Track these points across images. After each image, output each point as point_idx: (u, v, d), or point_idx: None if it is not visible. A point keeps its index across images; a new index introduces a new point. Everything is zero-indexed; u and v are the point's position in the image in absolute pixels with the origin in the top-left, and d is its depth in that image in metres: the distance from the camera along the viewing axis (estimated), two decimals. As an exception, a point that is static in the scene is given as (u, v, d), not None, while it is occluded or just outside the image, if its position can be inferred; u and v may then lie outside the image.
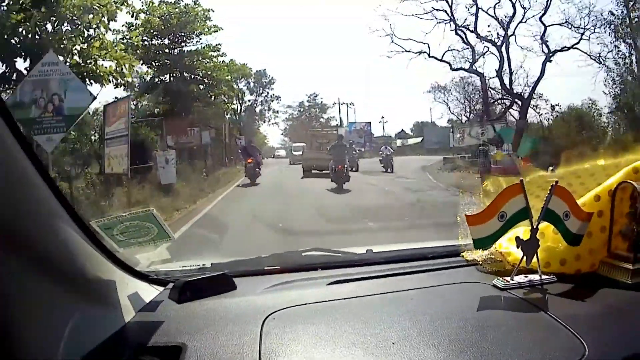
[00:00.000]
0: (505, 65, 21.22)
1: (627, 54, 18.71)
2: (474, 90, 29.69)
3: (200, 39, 20.68)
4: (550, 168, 1.55)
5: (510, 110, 22.92)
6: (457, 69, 23.55)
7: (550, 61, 20.61)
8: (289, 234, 6.29)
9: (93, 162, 13.81)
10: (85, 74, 10.11)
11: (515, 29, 21.12)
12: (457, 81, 30.91)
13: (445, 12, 21.60)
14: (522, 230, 1.26)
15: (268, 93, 42.89)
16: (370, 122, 40.98)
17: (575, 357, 0.91)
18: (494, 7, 21.29)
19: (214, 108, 23.16)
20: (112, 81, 10.69)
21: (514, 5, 20.55)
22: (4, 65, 9.58)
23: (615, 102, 19.05)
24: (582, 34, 19.71)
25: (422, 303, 1.17)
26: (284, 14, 79.33)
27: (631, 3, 18.28)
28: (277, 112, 44.74)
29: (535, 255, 1.23)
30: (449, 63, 23.00)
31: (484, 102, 23.77)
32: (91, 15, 10.22)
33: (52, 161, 8.81)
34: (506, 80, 21.29)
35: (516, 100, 21.72)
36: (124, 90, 19.21)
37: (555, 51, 20.58)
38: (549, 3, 19.91)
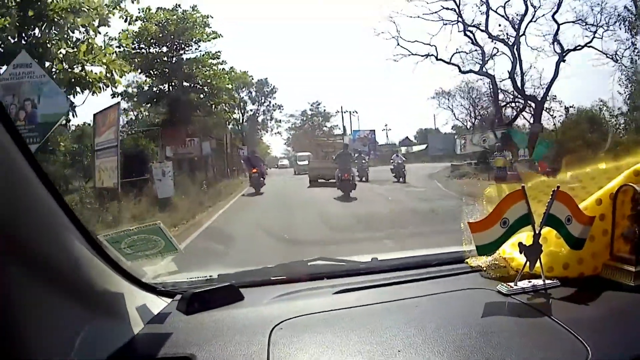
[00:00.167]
0: (517, 67, 21.25)
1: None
2: (478, 95, 29.80)
3: (199, 46, 20.81)
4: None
5: (521, 113, 22.95)
6: (466, 72, 23.55)
7: (564, 61, 20.61)
8: (294, 245, 6.40)
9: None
10: (73, 80, 9.76)
11: (525, 28, 21.16)
12: (461, 86, 31.05)
13: (455, 9, 21.65)
14: (525, 236, 1.32)
15: (270, 102, 43.64)
16: (374, 130, 41.28)
17: None
18: (504, 6, 21.31)
19: (215, 118, 23.31)
20: (103, 88, 10.34)
21: (525, 3, 20.63)
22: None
23: (631, 102, 18.98)
24: (595, 32, 19.76)
25: (427, 310, 1.23)
26: (284, 22, 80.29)
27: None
28: (280, 121, 45.49)
29: (538, 260, 1.29)
30: (457, 66, 23.03)
31: (495, 105, 23.71)
32: (79, 18, 9.84)
33: (52, 174, 8.83)
34: (518, 82, 21.31)
35: (529, 102, 21.66)
36: (121, 99, 19.73)
37: (569, 50, 20.58)
38: (561, 0, 19.96)
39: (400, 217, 9.36)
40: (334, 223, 8.82)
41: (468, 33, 22.03)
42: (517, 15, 21.22)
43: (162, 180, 12.53)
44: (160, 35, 19.52)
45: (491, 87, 23.62)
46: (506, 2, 21.17)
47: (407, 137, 46.92)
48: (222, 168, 24.86)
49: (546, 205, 1.27)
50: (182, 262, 1.67)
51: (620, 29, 19.28)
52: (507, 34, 21.49)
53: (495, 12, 21.52)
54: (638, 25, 18.72)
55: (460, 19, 21.84)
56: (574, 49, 20.53)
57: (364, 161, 20.74)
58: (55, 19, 9.64)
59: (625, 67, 19.23)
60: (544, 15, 21.00)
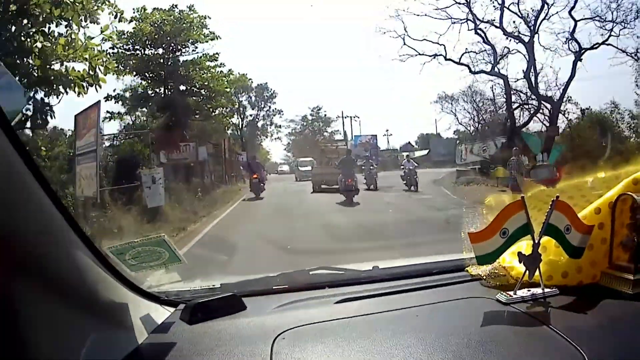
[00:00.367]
0: (532, 67, 21.01)
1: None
2: (482, 99, 29.88)
3: (197, 47, 20.98)
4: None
5: (535, 115, 22.71)
6: (477, 72, 23.29)
7: (581, 60, 20.34)
8: (295, 255, 6.48)
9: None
10: (52, 78, 9.12)
11: (538, 26, 20.98)
12: (465, 90, 31.17)
13: (466, 6, 21.43)
14: (524, 245, 1.40)
15: (270, 107, 43.97)
16: (376, 135, 41.48)
17: None
18: (517, 3, 21.05)
19: (214, 123, 23.42)
20: (85, 87, 9.53)
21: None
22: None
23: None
24: (612, 30, 19.63)
25: (428, 320, 1.31)
26: (284, 26, 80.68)
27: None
28: (280, 126, 45.84)
29: (537, 269, 1.37)
30: (467, 66, 22.82)
31: (507, 107, 23.36)
32: (58, 9, 9.08)
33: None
34: (532, 83, 21.17)
35: (544, 104, 21.43)
36: (115, 102, 19.82)
37: (586, 49, 20.34)
38: (578, -5, 19.57)
39: (413, 228, 9.18)
40: (339, 235, 8.78)
41: (479, 31, 21.83)
42: (532, 10, 21.08)
43: (152, 188, 11.99)
44: (156, 36, 19.67)
45: (503, 88, 23.36)
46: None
47: (409, 142, 47.51)
48: (220, 174, 24.96)
49: (546, 214, 1.35)
50: (185, 272, 1.75)
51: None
52: (519, 31, 21.34)
53: (508, 9, 21.36)
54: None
55: (471, 16, 21.59)
56: (592, 48, 20.37)
57: (371, 167, 19.77)
58: (32, 11, 8.91)
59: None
60: (557, 12, 20.87)
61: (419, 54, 22.80)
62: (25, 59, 9.04)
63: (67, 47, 9.32)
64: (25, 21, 9.03)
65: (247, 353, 1.13)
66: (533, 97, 22.18)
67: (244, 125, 39.17)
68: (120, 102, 20.01)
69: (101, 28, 9.58)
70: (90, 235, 1.11)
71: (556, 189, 1.56)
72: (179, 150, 19.49)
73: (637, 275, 1.33)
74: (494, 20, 21.43)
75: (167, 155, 18.31)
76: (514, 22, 21.56)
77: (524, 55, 21.34)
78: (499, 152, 20.84)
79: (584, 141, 19.19)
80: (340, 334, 1.22)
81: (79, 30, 9.65)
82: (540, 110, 22.17)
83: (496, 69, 22.49)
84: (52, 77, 9.15)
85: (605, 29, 19.80)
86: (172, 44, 20.42)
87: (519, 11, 21.19)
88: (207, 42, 20.81)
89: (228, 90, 22.80)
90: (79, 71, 9.48)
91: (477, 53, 22.85)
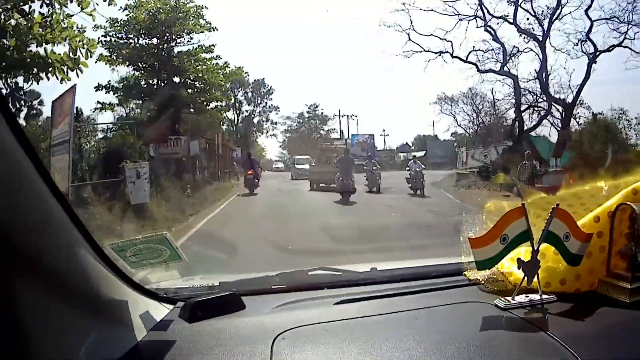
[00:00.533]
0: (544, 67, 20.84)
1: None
2: (482, 101, 30.08)
3: (192, 37, 21.00)
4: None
5: (545, 118, 22.55)
6: (485, 71, 23.43)
7: (595, 62, 20.42)
8: (288, 255, 6.56)
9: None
10: (29, 61, 8.47)
11: (550, 25, 20.97)
12: (465, 92, 31.42)
13: (476, 1, 21.44)
14: (523, 251, 1.47)
15: (266, 103, 44.78)
16: (373, 135, 41.97)
17: None
18: (531, 0, 21.11)
19: (209, 118, 23.43)
20: (66, 72, 8.77)
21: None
22: None
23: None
24: (626, 32, 19.70)
25: (427, 323, 1.37)
26: (282, 21, 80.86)
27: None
28: (276, 123, 46.65)
29: (536, 276, 1.43)
30: (475, 64, 23.01)
31: (516, 109, 23.29)
32: None
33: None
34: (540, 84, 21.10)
35: (555, 106, 21.30)
36: (106, 92, 19.72)
37: (601, 51, 20.38)
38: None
39: (421, 233, 8.98)
40: (337, 237, 8.68)
41: (489, 28, 21.91)
42: (547, 8, 21.13)
43: (136, 183, 11.55)
44: (150, 25, 19.64)
45: (511, 88, 23.28)
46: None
47: (406, 142, 48.52)
48: (213, 170, 25.00)
49: (545, 221, 1.41)
50: (183, 269, 1.80)
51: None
52: (533, 28, 21.33)
53: (520, 6, 21.44)
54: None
55: (481, 12, 21.65)
56: (607, 50, 20.40)
57: (374, 168, 18.95)
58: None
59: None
60: (570, 12, 20.96)
61: (425, 51, 23.07)
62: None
63: (44, 27, 8.57)
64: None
65: (247, 353, 1.17)
66: (543, 99, 22.12)
67: (239, 121, 39.74)
68: (111, 93, 20.06)
69: (81, 4, 8.66)
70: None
71: (556, 197, 1.63)
72: (170, 144, 19.25)
73: (634, 284, 1.39)
74: (507, 15, 21.47)
75: (156, 148, 18.06)
76: (527, 19, 21.46)
77: (537, 54, 21.44)
78: (500, 158, 20.85)
79: (594, 147, 19.13)
80: (340, 335, 1.27)
81: (61, 10, 8.79)
82: (550, 113, 22.15)
83: (507, 68, 22.47)
84: (29, 60, 8.50)
85: (619, 32, 19.95)
86: (167, 34, 20.38)
87: (532, 8, 21.33)
88: (203, 32, 20.86)
89: (223, 83, 22.84)
90: (59, 54, 8.69)
91: (484, 52, 23.06)
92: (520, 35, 21.87)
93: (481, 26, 22.33)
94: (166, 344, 1.22)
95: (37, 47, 8.56)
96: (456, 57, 22.81)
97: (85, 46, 8.80)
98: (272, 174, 34.79)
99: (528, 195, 1.60)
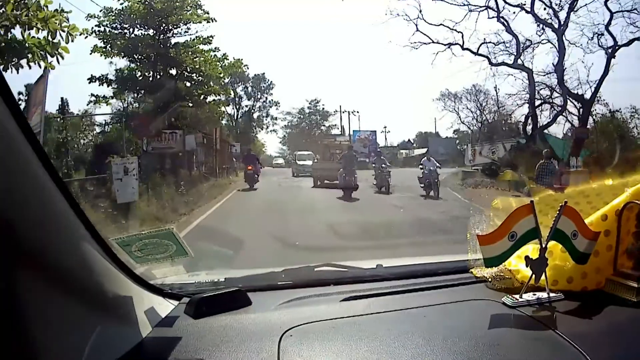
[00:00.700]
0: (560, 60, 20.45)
1: None
2: (486, 98, 30.08)
3: (189, 28, 20.89)
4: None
5: (561, 114, 22.26)
6: (497, 64, 23.11)
7: (614, 57, 20.11)
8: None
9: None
10: (4, 45, 7.86)
11: (569, 15, 20.54)
12: (468, 88, 31.43)
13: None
14: (530, 249, 1.53)
15: (267, 98, 45.50)
16: (375, 131, 42.71)
17: None
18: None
19: (208, 112, 23.44)
20: (45, 57, 8.10)
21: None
22: None
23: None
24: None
25: (435, 321, 1.42)
26: (283, 14, 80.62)
27: None
28: (276, 118, 47.25)
29: (543, 274, 1.50)
30: (487, 57, 22.75)
31: (530, 104, 22.79)
32: None
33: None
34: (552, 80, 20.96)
35: (572, 102, 20.89)
36: (100, 85, 19.66)
37: (620, 45, 20.14)
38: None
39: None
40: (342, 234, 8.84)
41: (502, 19, 21.58)
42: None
43: (124, 180, 10.96)
44: (146, 14, 19.56)
45: (524, 82, 23.02)
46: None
47: (409, 139, 48.78)
48: (210, 166, 25.04)
49: (553, 219, 1.47)
50: (188, 265, 1.87)
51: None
52: (551, 18, 20.91)
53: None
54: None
55: (494, 2, 21.36)
56: (626, 44, 20.15)
57: (383, 166, 17.94)
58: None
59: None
60: (586, 5, 20.68)
61: (433, 42, 22.88)
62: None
63: (19, 7, 7.78)
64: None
65: (254, 350, 1.21)
66: (558, 93, 21.70)
67: (239, 116, 40.15)
68: (106, 85, 20.03)
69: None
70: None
71: (564, 195, 1.70)
72: (164, 138, 19.03)
73: (641, 283, 1.45)
74: (525, 3, 21.16)
75: (148, 142, 17.80)
76: (544, 8, 21.17)
77: (554, 46, 21.04)
78: (507, 155, 20.78)
79: (611, 146, 18.91)
80: (347, 332, 1.31)
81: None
82: (566, 109, 21.77)
83: (521, 61, 22.10)
84: (4, 44, 7.87)
85: (636, 26, 19.66)
86: (163, 24, 20.29)
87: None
88: (200, 22, 20.73)
89: (222, 75, 22.79)
90: (37, 38, 7.96)
91: (495, 44, 22.81)
92: (539, 26, 21.65)
93: (493, 17, 22.13)
94: (171, 340, 1.25)
95: (11, 29, 7.84)
96: (467, 49, 22.68)
97: (65, 29, 8.02)
98: (272, 170, 34.86)
99: (536, 193, 1.66)
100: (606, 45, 20.36)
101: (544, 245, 1.48)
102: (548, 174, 14.10)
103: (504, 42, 22.63)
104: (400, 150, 44.39)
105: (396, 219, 11.47)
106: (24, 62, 8.06)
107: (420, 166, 17.21)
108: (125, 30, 20.02)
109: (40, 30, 7.90)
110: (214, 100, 23.66)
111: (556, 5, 21.00)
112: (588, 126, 21.51)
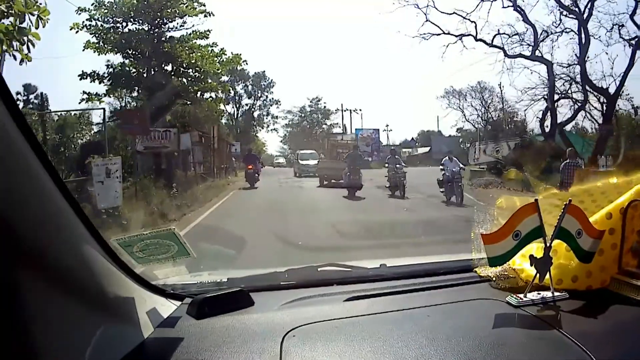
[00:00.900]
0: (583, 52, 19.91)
1: None
2: (491, 96, 30.06)
3: (185, 22, 20.83)
4: None
5: (582, 109, 21.71)
6: (514, 56, 22.73)
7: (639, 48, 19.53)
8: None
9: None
10: None
11: (594, 2, 19.96)
12: (473, 86, 31.41)
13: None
14: (535, 247, 1.59)
15: (267, 97, 46.19)
16: (378, 130, 43.17)
17: None
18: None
19: (207, 110, 23.43)
20: (15, 47, 7.08)
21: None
22: None
23: None
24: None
25: (438, 321, 1.47)
26: (283, 10, 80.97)
27: None
28: (277, 117, 47.72)
29: (548, 273, 1.56)
30: (502, 48, 22.42)
31: (550, 99, 22.27)
32: None
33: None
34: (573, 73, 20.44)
35: (595, 95, 20.32)
36: (91, 81, 19.62)
37: None
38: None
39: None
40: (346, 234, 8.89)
41: (518, 8, 21.29)
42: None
43: (105, 183, 10.53)
44: (139, 7, 19.53)
45: (542, 76, 22.64)
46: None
47: (412, 138, 49.67)
48: (208, 166, 25.07)
49: (557, 218, 1.53)
50: (190, 265, 1.93)
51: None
52: (576, 3, 20.29)
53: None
54: None
55: None
56: None
57: (398, 166, 16.72)
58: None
59: None
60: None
61: (444, 33, 22.68)
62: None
63: None
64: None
65: (256, 350, 1.25)
66: (578, 88, 21.13)
67: (239, 115, 40.56)
68: (97, 81, 20.00)
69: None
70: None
71: (568, 193, 1.76)
72: (156, 137, 18.58)
73: (645, 281, 1.51)
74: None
75: (139, 140, 17.31)
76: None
77: (576, 35, 20.45)
78: (511, 153, 20.74)
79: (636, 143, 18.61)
80: (351, 332, 1.36)
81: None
82: (588, 103, 21.17)
83: (539, 52, 21.69)
84: None
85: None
86: (158, 17, 20.23)
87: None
88: (196, 15, 20.63)
89: (220, 71, 22.68)
90: (2, 23, 7.11)
91: (509, 36, 22.46)
92: (562, 13, 21.18)
93: (508, 6, 21.91)
94: (173, 340, 1.29)
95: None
96: (480, 39, 22.51)
97: (34, 12, 7.07)
98: (272, 169, 34.97)
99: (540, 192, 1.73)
100: (627, 37, 20.03)
101: (548, 244, 1.53)
102: (566, 172, 13.10)
103: (518, 34, 22.40)
104: (403, 149, 44.68)
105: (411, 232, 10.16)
106: (-7, 52, 7.76)
107: (441, 167, 15.59)
108: (118, 25, 19.96)
109: (5, 15, 7.05)
110: (211, 97, 23.66)
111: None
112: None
